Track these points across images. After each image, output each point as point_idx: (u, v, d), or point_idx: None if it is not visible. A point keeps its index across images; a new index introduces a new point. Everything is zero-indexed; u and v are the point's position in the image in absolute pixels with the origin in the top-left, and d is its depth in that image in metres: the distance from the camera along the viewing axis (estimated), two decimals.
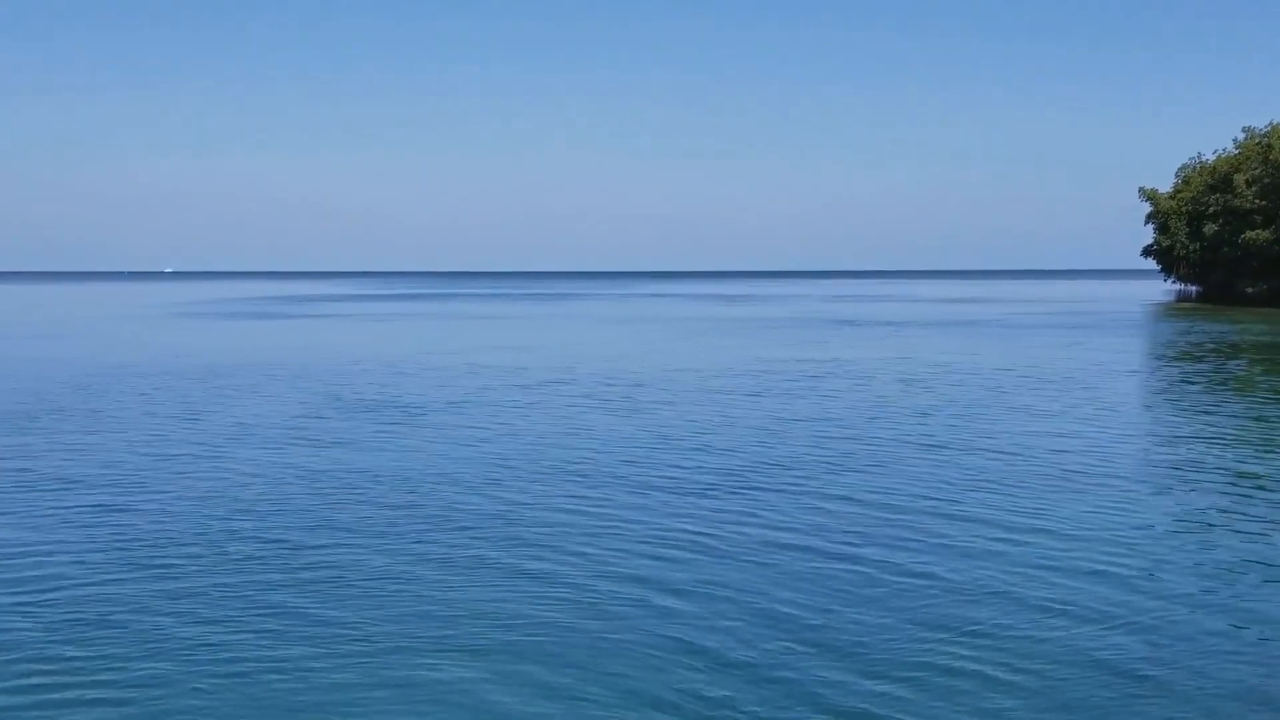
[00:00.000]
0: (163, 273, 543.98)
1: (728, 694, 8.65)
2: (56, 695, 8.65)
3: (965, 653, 9.48)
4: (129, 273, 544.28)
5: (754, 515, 14.53)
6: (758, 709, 8.37)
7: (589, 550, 12.77)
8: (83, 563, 12.24)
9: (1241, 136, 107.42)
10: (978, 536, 13.35)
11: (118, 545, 12.96)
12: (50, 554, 12.60)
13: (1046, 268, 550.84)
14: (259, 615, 10.46)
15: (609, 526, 13.93)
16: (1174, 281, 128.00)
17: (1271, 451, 19.76)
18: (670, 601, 10.87)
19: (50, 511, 14.76)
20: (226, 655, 9.44)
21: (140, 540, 13.19)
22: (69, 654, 9.49)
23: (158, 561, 12.29)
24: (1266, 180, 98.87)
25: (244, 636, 9.89)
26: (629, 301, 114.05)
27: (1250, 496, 15.77)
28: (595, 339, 53.35)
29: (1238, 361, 38.50)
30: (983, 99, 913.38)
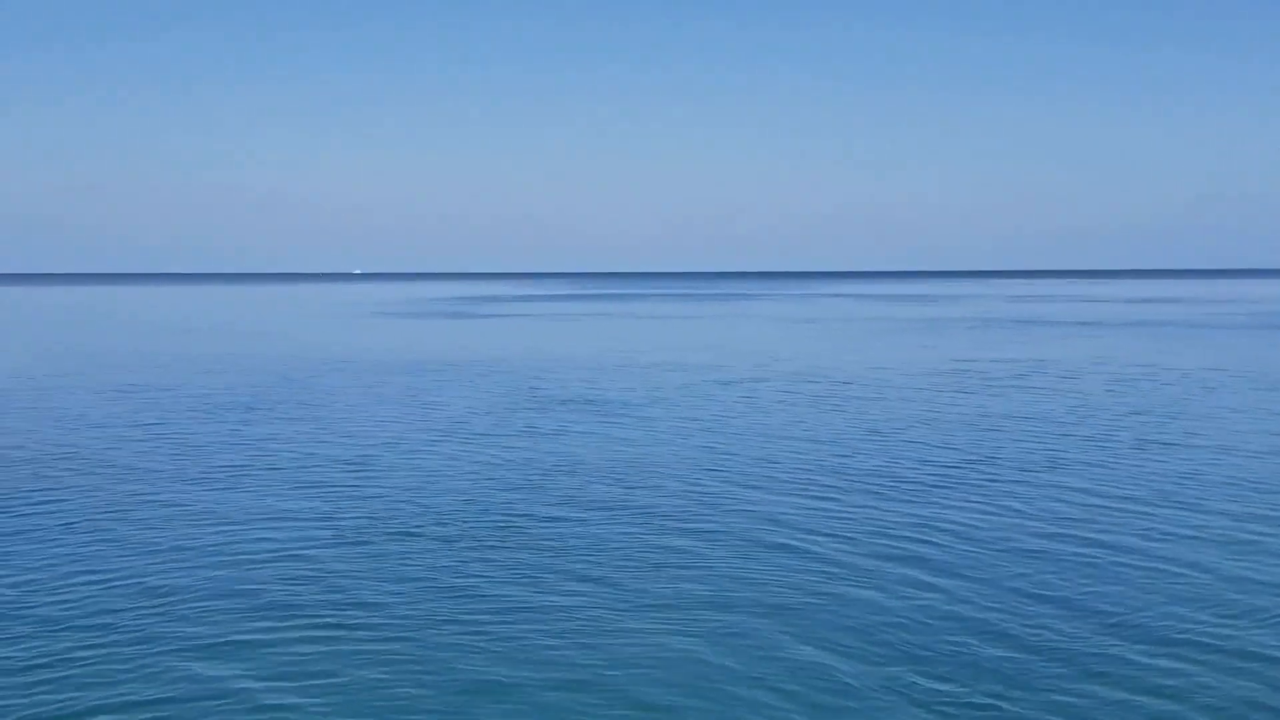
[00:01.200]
0: (352, 274, 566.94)
1: (1022, 672, 9.24)
2: (318, 649, 9.81)
3: (1224, 633, 9.83)
4: (326, 274, 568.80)
5: (989, 506, 14.98)
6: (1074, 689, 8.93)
7: (814, 540, 13.46)
8: (328, 532, 13.60)
9: None
10: (1224, 530, 13.53)
11: (354, 520, 14.31)
12: (292, 525, 14.03)
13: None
14: (478, 584, 11.50)
15: (834, 518, 14.58)
16: None
17: None
18: (936, 578, 11.49)
19: (290, 491, 16.29)
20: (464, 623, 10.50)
21: (373, 519, 14.49)
22: (334, 618, 10.70)
23: (386, 537, 13.54)
24: None
25: (470, 603, 10.93)
26: (808, 302, 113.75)
27: None
28: (785, 338, 53.73)
29: None
30: None
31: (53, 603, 10.87)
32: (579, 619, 10.33)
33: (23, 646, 9.64)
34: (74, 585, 11.44)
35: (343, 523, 14.09)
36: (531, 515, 14.42)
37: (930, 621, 10.22)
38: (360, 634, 9.97)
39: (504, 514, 14.53)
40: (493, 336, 56.35)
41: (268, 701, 8.53)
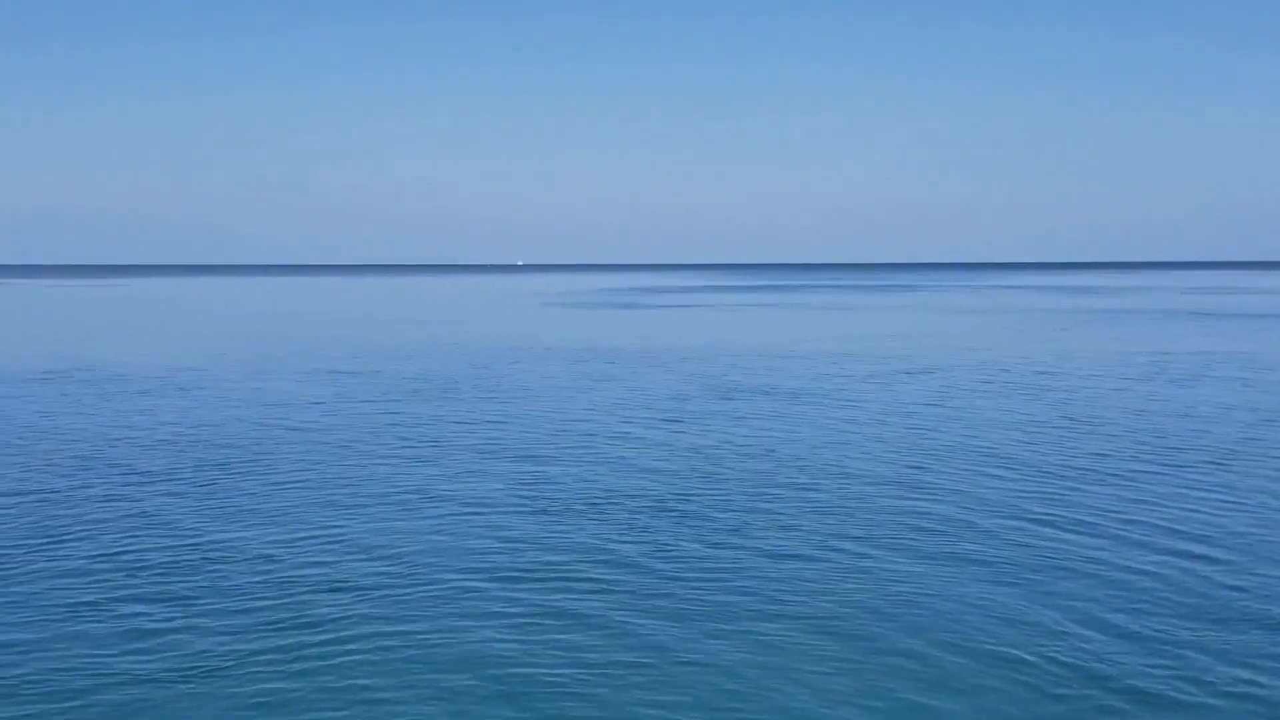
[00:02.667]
0: (514, 265, 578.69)
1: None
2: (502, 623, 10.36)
3: None
4: (490, 265, 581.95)
5: (1228, 496, 14.77)
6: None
7: (1028, 532, 13.49)
8: (523, 508, 14.23)
9: None
10: None
11: (537, 497, 14.95)
12: (493, 501, 14.71)
13: None
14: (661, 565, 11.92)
15: (1053, 502, 14.58)
16: None
17: None
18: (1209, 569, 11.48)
19: (489, 469, 17.05)
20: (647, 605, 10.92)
21: (570, 498, 15.12)
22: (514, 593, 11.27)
23: (584, 514, 14.09)
24: None
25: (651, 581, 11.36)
26: (981, 293, 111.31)
27: None
28: (967, 328, 52.84)
29: None
30: None
31: (303, 563, 11.79)
32: (763, 597, 10.67)
33: (284, 601, 10.51)
34: (318, 548, 12.38)
35: (538, 501, 14.74)
36: (715, 500, 14.77)
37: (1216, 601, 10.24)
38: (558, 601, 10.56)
39: (692, 498, 14.95)
40: (669, 326, 56.99)
41: (491, 662, 9.14)
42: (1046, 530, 12.97)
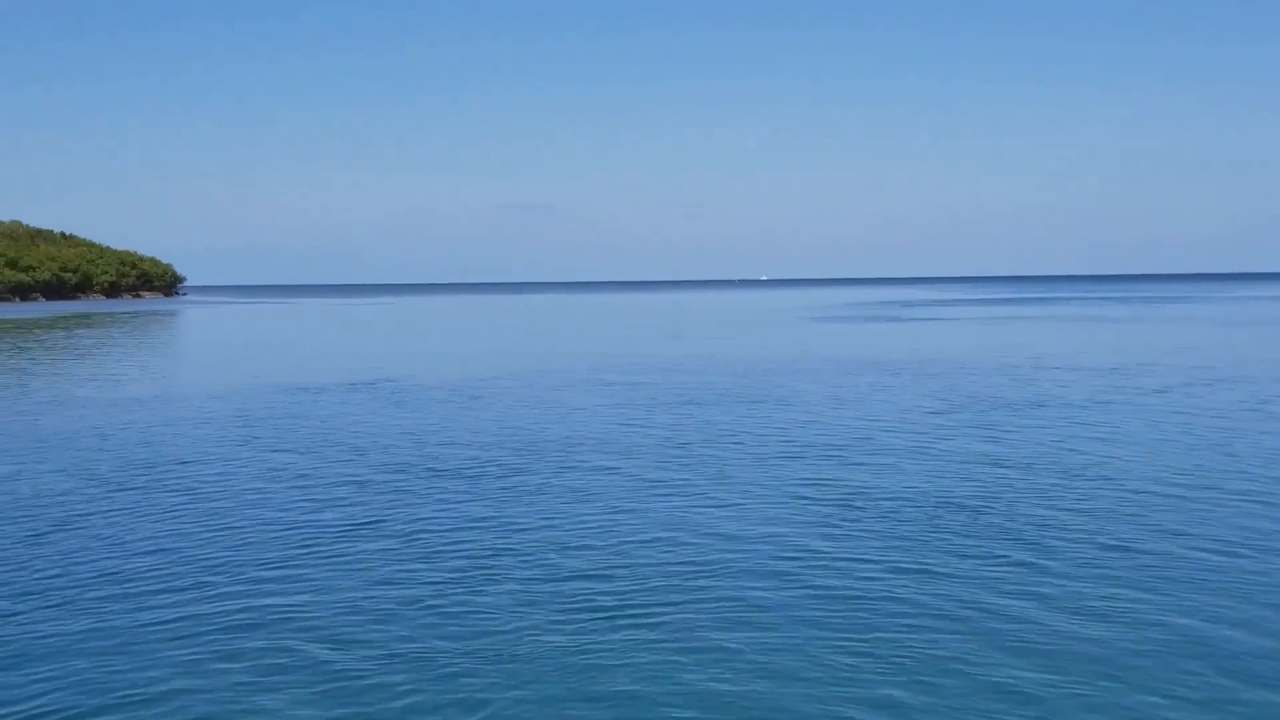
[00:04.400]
0: (759, 280, 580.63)
1: None
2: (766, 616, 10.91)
3: None
4: (734, 280, 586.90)
5: None
6: None
7: None
8: (806, 511, 14.81)
9: None
10: None
11: (833, 502, 15.47)
12: (779, 501, 15.35)
13: None
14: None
15: None
16: None
17: None
18: None
19: (774, 474, 17.72)
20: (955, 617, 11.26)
21: (849, 504, 15.59)
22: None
23: (860, 519, 14.53)
24: None
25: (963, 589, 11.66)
26: (1240, 305, 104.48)
27: None
28: (1235, 342, 50.19)
29: None
30: None
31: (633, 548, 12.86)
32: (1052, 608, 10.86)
33: (627, 587, 11.57)
34: (615, 534, 13.44)
35: (820, 505, 15.38)
36: (1013, 508, 14.97)
37: None
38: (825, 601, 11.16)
39: (991, 505, 15.23)
40: (939, 339, 56.52)
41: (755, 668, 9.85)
42: None
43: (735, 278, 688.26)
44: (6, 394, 32.84)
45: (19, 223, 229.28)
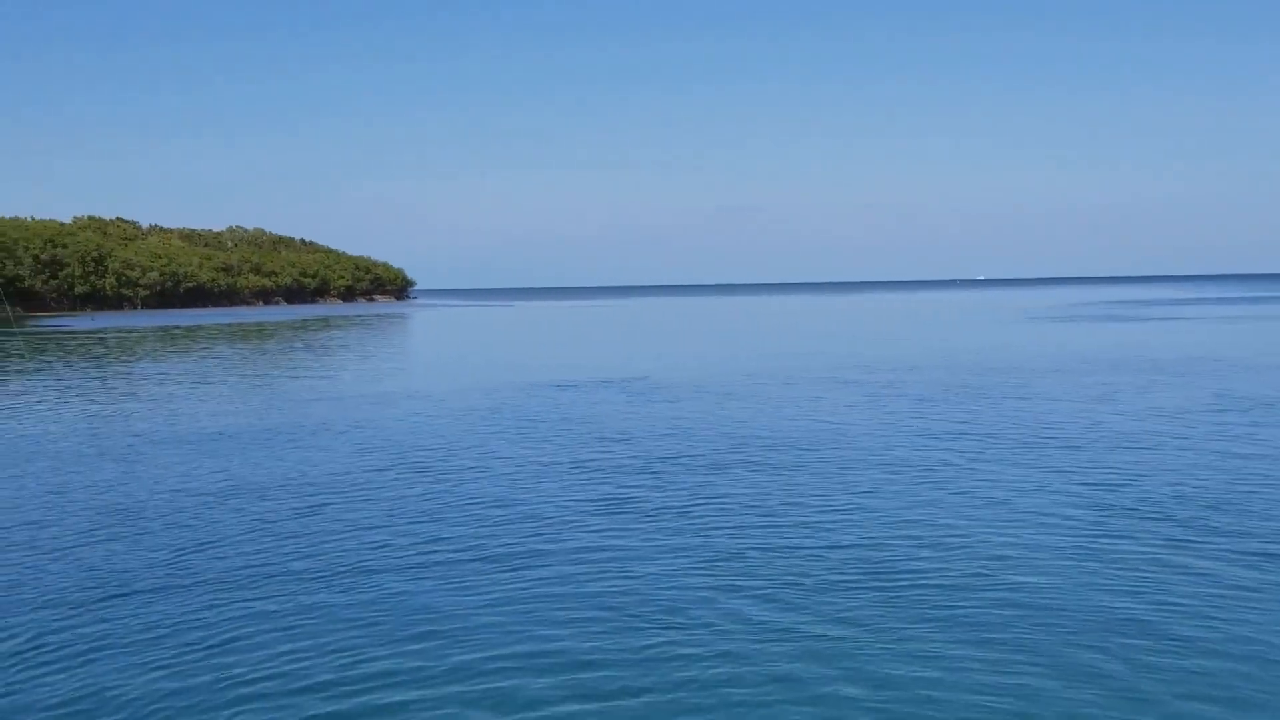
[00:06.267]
0: (974, 280, 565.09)
1: None
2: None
3: None
4: (948, 281, 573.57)
5: None
6: None
7: None
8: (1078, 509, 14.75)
9: None
10: None
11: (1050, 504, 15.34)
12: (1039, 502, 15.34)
13: None
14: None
15: None
16: None
17: None
18: None
19: (1037, 469, 17.67)
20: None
21: (1115, 503, 15.42)
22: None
23: (1125, 517, 14.37)
24: None
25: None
26: None
27: None
28: None
29: None
30: None
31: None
32: None
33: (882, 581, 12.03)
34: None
35: (1073, 505, 15.39)
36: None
37: None
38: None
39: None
40: (1163, 337, 54.44)
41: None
42: None
43: (949, 278, 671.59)
44: (291, 389, 35.62)
45: (262, 230, 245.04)
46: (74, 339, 75.69)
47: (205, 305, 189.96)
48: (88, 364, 49.85)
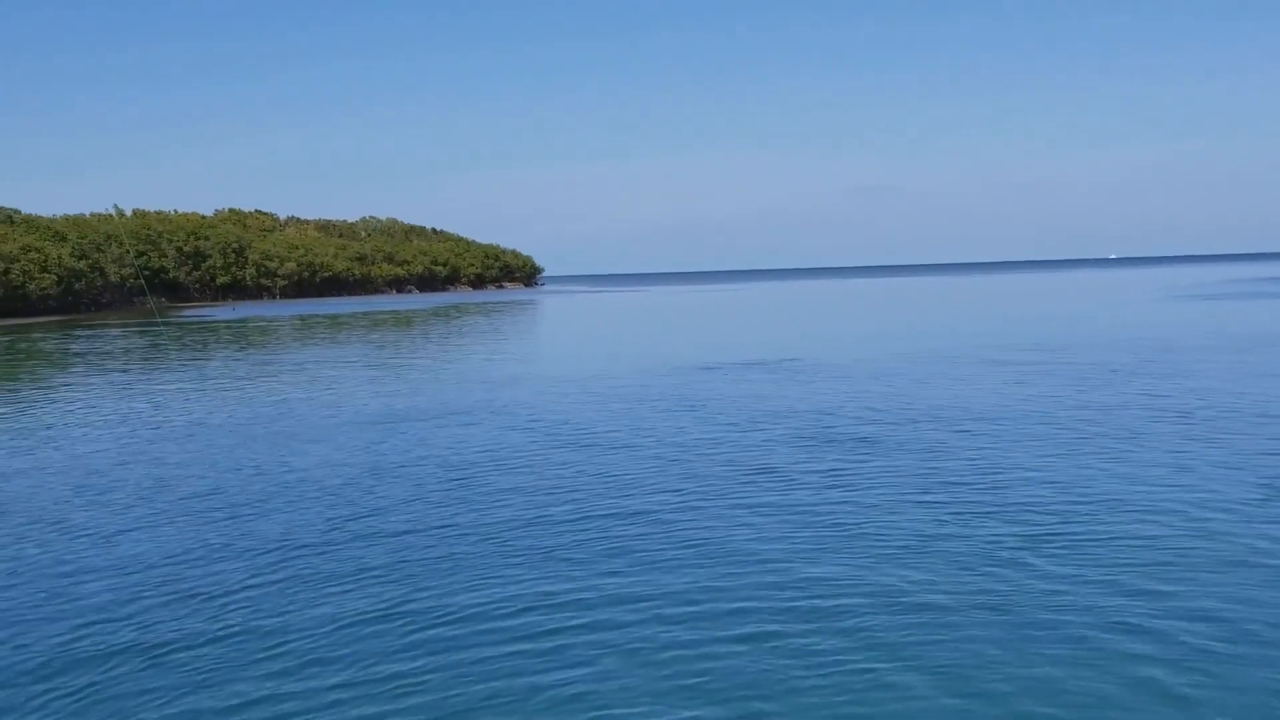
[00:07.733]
0: (1107, 259, 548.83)
1: None
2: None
3: None
4: (1081, 260, 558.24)
5: None
6: None
7: None
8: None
9: None
10: None
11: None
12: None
13: None
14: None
15: None
16: None
17: None
18: None
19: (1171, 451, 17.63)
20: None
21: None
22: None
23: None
24: None
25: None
26: None
27: None
28: None
29: None
30: None
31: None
32: None
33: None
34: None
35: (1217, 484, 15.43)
36: None
37: None
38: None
39: None
40: None
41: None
42: None
43: (1082, 257, 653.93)
44: (449, 373, 36.97)
45: (395, 220, 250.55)
46: (227, 328, 78.74)
47: (340, 294, 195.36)
48: (256, 350, 52.17)
